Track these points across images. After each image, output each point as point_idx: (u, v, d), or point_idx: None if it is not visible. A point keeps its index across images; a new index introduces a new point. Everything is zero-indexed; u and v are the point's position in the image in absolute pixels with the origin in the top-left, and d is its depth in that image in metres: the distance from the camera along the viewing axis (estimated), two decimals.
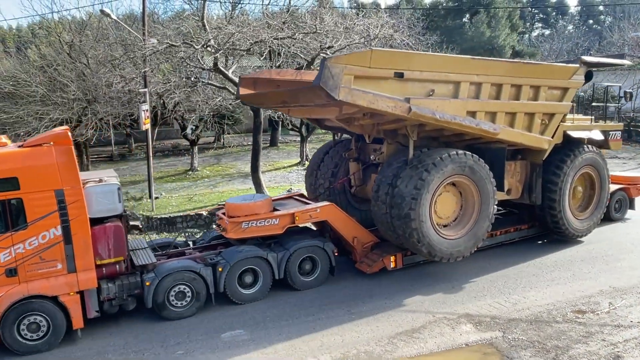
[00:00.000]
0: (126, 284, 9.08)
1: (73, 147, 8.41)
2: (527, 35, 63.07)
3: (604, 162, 12.96)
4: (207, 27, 16.11)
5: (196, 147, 25.65)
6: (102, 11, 18.08)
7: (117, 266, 9.10)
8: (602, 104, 15.37)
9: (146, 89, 17.03)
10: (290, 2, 18.56)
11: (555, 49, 44.48)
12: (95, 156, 29.41)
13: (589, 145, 12.53)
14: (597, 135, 12.87)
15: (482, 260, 11.92)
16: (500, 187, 10.85)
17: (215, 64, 16.18)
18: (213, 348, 8.35)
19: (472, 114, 9.94)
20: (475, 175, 10.22)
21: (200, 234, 13.47)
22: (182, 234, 12.64)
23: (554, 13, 66.72)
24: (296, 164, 25.99)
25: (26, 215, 8.08)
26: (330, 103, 8.60)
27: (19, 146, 8.48)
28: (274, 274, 10.14)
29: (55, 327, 8.43)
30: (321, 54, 15.68)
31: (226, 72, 16.34)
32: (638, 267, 11.22)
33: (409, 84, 9.04)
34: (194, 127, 24.98)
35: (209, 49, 16.03)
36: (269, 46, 15.91)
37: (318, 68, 8.49)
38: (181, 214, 16.15)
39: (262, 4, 21.05)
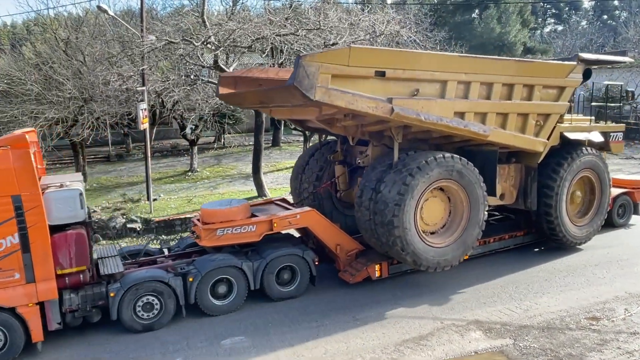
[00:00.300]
0: (90, 294, 8.86)
1: (31, 150, 8.10)
2: (539, 32, 62.99)
3: (605, 165, 12.68)
4: (207, 23, 16.16)
5: (196, 147, 25.70)
6: (99, 7, 18.12)
7: (81, 276, 8.80)
8: (602, 103, 14.99)
9: (144, 87, 17.07)
10: None
11: (568, 45, 44.44)
12: (92, 157, 29.49)
13: (588, 148, 12.27)
14: (597, 137, 12.60)
15: (491, 265, 11.90)
16: (491, 191, 10.65)
17: (216, 62, 16.23)
18: (213, 355, 8.36)
19: (461, 115, 9.72)
20: (463, 180, 10.00)
21: (176, 240, 13.04)
22: (154, 241, 12.19)
23: (567, 8, 66.52)
24: None
25: None
26: (306, 103, 8.44)
27: None
28: (249, 284, 9.92)
29: (12, 341, 8.18)
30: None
31: (227, 70, 16.37)
32: None
33: (392, 84, 8.83)
34: (193, 127, 25.01)
35: (209, 46, 16.08)
36: (271, 43, 15.95)
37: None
38: (180, 216, 16.19)
39: (264, 0, 21.12)
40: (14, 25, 46.49)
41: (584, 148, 12.17)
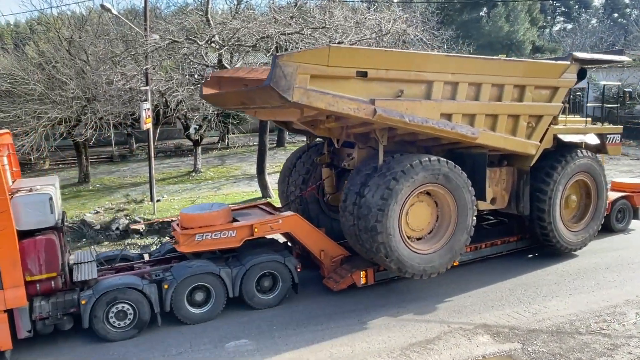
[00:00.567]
0: (61, 301, 8.73)
1: (4, 153, 8.00)
2: (547, 30, 62.78)
3: (601, 169, 12.40)
4: (211, 22, 16.21)
5: (199, 147, 25.75)
6: (102, 6, 18.21)
7: (52, 282, 8.68)
8: (599, 104, 14.64)
9: (148, 87, 17.14)
10: None
11: (578, 44, 44.25)
12: (95, 157, 29.62)
13: (584, 150, 12.01)
14: (593, 139, 12.34)
15: (500, 267, 11.86)
16: (481, 196, 10.47)
17: (220, 61, 16.26)
18: (217, 358, 8.37)
19: (447, 116, 9.53)
20: (450, 184, 9.79)
21: (157, 245, 12.78)
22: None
23: (577, 6, 66.29)
24: None
25: None
26: (284, 105, 8.31)
27: None
28: (228, 292, 9.77)
29: None
30: None
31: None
32: None
33: (374, 84, 8.65)
34: (197, 127, 25.06)
35: (213, 45, 16.13)
36: (276, 42, 15.96)
37: None
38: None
39: None
40: (17, 25, 46.79)
41: (579, 150, 11.89)
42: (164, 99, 21.10)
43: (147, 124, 16.84)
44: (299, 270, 10.35)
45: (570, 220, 12.34)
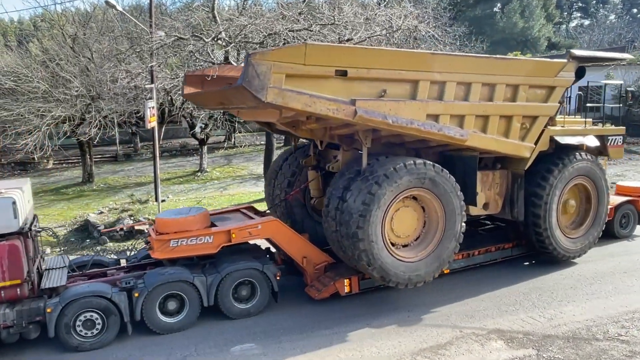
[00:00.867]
0: (26, 309, 8.57)
1: None
2: (564, 26, 62.38)
3: (602, 172, 12.02)
4: (217, 18, 16.27)
5: (205, 146, 25.87)
6: (107, 2, 18.31)
7: (18, 290, 8.53)
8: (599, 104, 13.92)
9: (153, 85, 17.21)
10: None
11: (595, 40, 43.97)
12: (99, 156, 29.85)
13: (583, 153, 11.63)
14: (592, 141, 11.93)
15: (513, 271, 11.79)
16: (471, 200, 10.24)
17: (227, 58, 16.32)
18: None
19: (434, 117, 9.26)
20: (437, 189, 9.50)
21: (133, 251, 12.50)
22: (100, 252, 11.69)
23: (594, 2, 65.79)
24: None
25: None
26: (259, 106, 8.12)
27: None
28: (202, 301, 9.52)
29: None
30: None
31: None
32: None
33: (355, 84, 8.40)
34: (203, 126, 25.17)
35: (219, 42, 16.18)
36: (284, 39, 15.98)
37: None
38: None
39: None
40: (21, 22, 47.30)
41: (577, 153, 11.52)
42: (170, 97, 21.22)
43: (152, 123, 16.92)
44: (278, 278, 10.05)
45: (569, 227, 12.02)
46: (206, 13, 17.55)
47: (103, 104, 20.13)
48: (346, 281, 10.10)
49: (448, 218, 9.75)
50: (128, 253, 11.35)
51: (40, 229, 9.72)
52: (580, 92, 13.34)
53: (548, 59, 11.39)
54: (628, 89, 13.59)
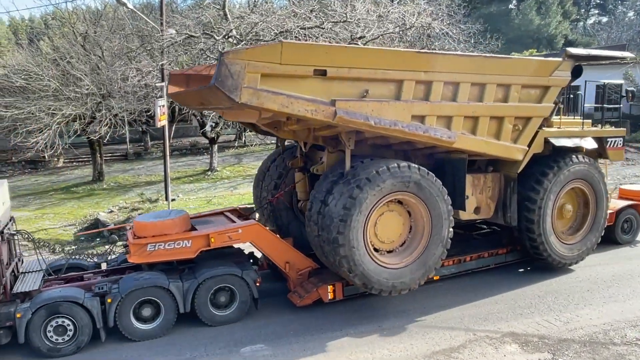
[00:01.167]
0: None
1: None
2: (581, 23, 61.79)
3: (601, 175, 11.67)
4: (228, 16, 16.33)
5: (216, 145, 25.97)
6: (118, 0, 18.46)
7: None
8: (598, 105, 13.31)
9: (164, 83, 17.31)
10: None
11: (613, 38, 43.54)
12: (109, 155, 30.09)
13: (580, 155, 11.30)
14: (589, 143, 11.53)
15: (528, 274, 11.72)
16: (460, 205, 10.04)
17: None
18: None
19: (420, 118, 9.03)
20: (422, 193, 9.25)
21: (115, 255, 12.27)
22: (80, 255, 11.48)
23: None
24: None
25: None
26: (234, 106, 7.93)
27: None
28: (179, 307, 9.36)
29: None
30: (352, 45, 15.67)
31: None
32: None
33: (335, 84, 8.18)
34: (213, 124, 25.27)
35: (230, 39, 16.24)
36: (295, 36, 16.02)
37: None
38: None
39: None
40: (32, 20, 47.85)
41: (574, 156, 11.17)
42: None
43: (162, 121, 17.00)
44: (259, 284, 9.89)
45: (565, 232, 11.71)
46: (217, 11, 17.62)
47: (113, 102, 20.29)
48: (330, 287, 9.90)
49: (434, 223, 9.51)
50: (109, 257, 11.10)
51: (14, 232, 9.52)
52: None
53: (542, 58, 11.12)
54: (628, 88, 13.26)
